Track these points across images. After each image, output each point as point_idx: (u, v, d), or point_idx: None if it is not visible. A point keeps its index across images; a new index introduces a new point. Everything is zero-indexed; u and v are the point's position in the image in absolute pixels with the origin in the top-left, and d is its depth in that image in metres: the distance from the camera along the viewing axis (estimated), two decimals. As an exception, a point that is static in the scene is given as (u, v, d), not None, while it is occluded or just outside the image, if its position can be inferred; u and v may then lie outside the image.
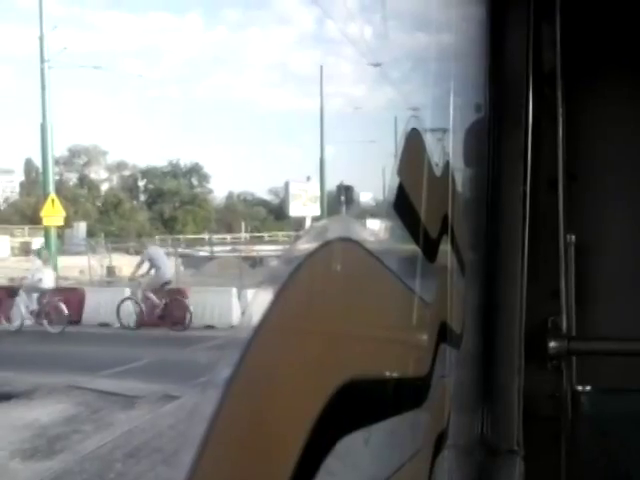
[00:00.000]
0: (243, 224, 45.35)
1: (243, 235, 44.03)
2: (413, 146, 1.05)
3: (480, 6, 2.18)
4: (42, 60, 25.40)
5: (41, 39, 25.58)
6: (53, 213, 24.54)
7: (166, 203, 49.52)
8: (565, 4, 2.25)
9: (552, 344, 2.22)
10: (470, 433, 2.03)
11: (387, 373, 0.89)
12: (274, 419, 0.56)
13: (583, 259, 2.42)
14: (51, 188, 25.36)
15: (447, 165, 1.38)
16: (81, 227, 40.88)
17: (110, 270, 27.31)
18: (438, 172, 1.27)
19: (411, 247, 1.04)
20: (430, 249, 1.15)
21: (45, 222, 25.03)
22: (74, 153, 51.71)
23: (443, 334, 1.26)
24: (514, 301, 2.13)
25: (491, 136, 2.09)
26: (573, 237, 2.42)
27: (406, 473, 0.96)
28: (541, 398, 2.24)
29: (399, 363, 0.96)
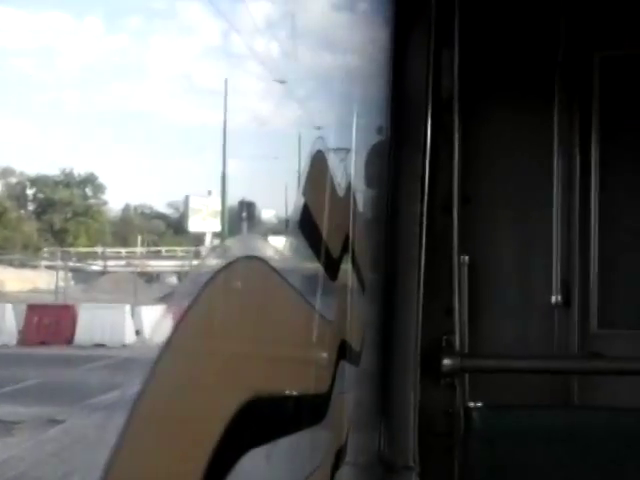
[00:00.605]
0: (139, 238, 44.13)
1: (139, 249, 42.82)
2: (318, 167, 1.08)
3: (384, 30, 2.26)
4: None
5: None
6: None
7: (57, 214, 47.39)
8: (464, 32, 2.37)
9: (445, 361, 2.31)
10: (368, 450, 2.07)
11: (289, 390, 0.91)
12: (177, 437, 0.56)
13: (475, 278, 2.54)
14: None
15: (349, 186, 1.42)
16: None
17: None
18: (341, 192, 1.31)
19: (314, 265, 1.06)
20: (332, 267, 1.18)
21: None
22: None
23: (343, 351, 1.28)
24: (410, 318, 2.20)
25: (391, 158, 2.16)
26: (467, 258, 2.54)
27: None
28: (436, 414, 2.32)
29: (301, 380, 0.98)
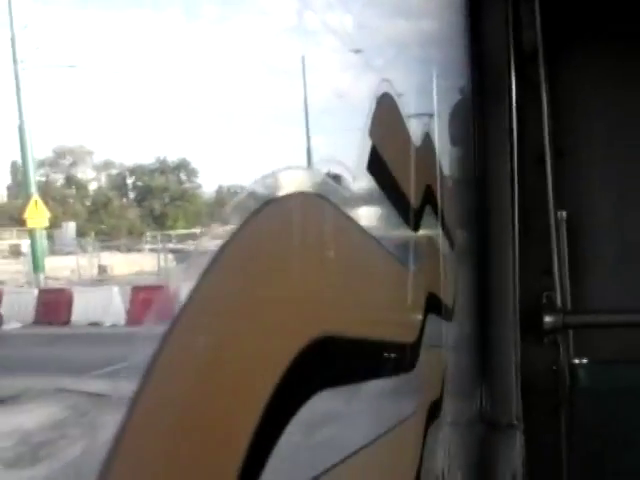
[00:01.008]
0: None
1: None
2: (386, 109, 1.06)
3: None
4: (15, 61, 25.24)
5: (13, 40, 25.40)
6: (36, 215, 24.54)
7: (156, 200, 49.51)
8: None
9: (547, 319, 2.29)
10: (470, 409, 2.10)
11: (367, 334, 0.88)
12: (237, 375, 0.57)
13: (574, 234, 2.49)
14: (33, 190, 25.31)
15: (428, 137, 1.42)
16: (70, 227, 41.06)
17: (101, 269, 27.47)
18: (418, 142, 1.30)
19: (387, 210, 1.05)
20: (410, 215, 1.17)
21: (29, 224, 25.05)
22: (59, 154, 51.63)
23: (431, 305, 1.30)
24: (507, 278, 2.20)
25: (475, 117, 2.15)
26: (564, 213, 2.48)
27: (396, 436, 1.01)
28: (539, 372, 2.32)
29: (380, 325, 0.98)
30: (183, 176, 53.25)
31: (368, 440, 0.89)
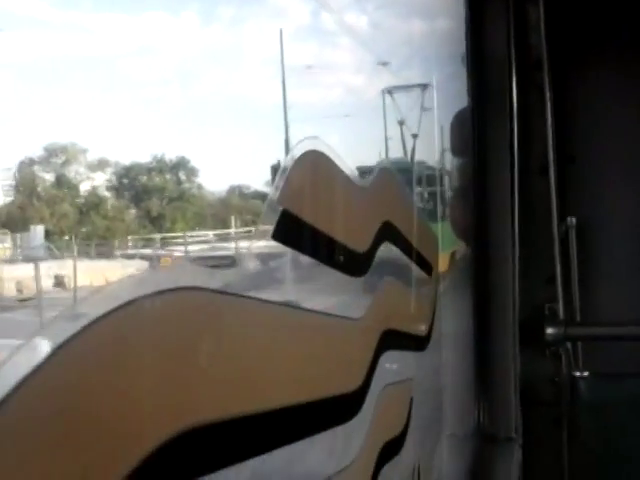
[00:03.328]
0: (233, 219, 45.28)
1: (233, 231, 43.79)
2: (305, 168, 1.06)
3: None
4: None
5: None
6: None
7: (153, 200, 49.70)
8: None
9: (549, 330, 2.38)
10: (467, 422, 2.20)
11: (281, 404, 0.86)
12: None
13: (583, 241, 2.57)
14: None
15: (385, 171, 1.47)
16: (38, 230, 39.64)
17: (58, 280, 24.99)
18: (365, 184, 1.34)
19: (314, 271, 1.07)
20: (352, 263, 1.17)
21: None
22: (51, 152, 51.89)
23: (389, 342, 1.34)
24: (506, 288, 2.29)
25: (475, 124, 2.25)
26: (574, 219, 2.56)
27: None
28: (540, 384, 2.41)
29: (302, 390, 0.98)
30: (182, 175, 53.38)
31: None
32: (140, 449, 0.58)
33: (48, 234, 42.76)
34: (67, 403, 0.53)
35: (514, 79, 2.32)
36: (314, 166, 1.06)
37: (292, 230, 0.93)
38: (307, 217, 0.98)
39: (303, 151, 1.00)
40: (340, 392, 1.11)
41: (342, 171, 1.15)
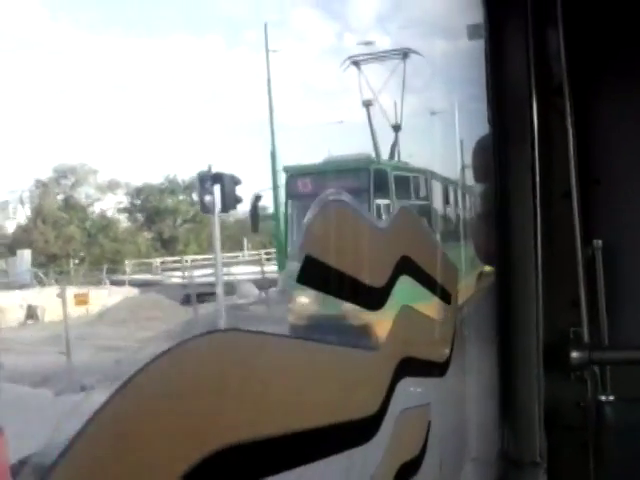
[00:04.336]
0: (245, 241, 45.36)
1: (246, 253, 43.79)
2: (328, 216, 1.20)
3: (477, 16, 2.43)
4: None
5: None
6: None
7: (164, 222, 50.05)
8: (567, 9, 2.49)
9: (574, 354, 2.45)
10: (491, 446, 2.27)
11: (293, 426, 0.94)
12: None
13: (607, 266, 2.64)
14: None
15: (404, 211, 1.58)
16: (25, 255, 38.17)
17: (30, 311, 23.78)
18: (382, 224, 1.45)
19: (333, 307, 1.20)
20: (368, 298, 1.29)
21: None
22: (60, 173, 52.52)
23: (406, 370, 1.45)
24: (530, 312, 2.36)
25: (497, 151, 2.34)
26: (600, 242, 2.63)
27: None
28: (565, 409, 2.47)
29: (321, 416, 1.09)
30: (195, 197, 53.65)
31: None
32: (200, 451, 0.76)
33: (55, 258, 42.82)
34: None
35: (534, 103, 2.41)
36: (333, 214, 1.19)
37: (315, 273, 1.06)
38: (328, 260, 1.11)
39: (323, 202, 1.16)
40: (358, 416, 1.23)
41: (361, 216, 1.31)
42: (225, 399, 0.82)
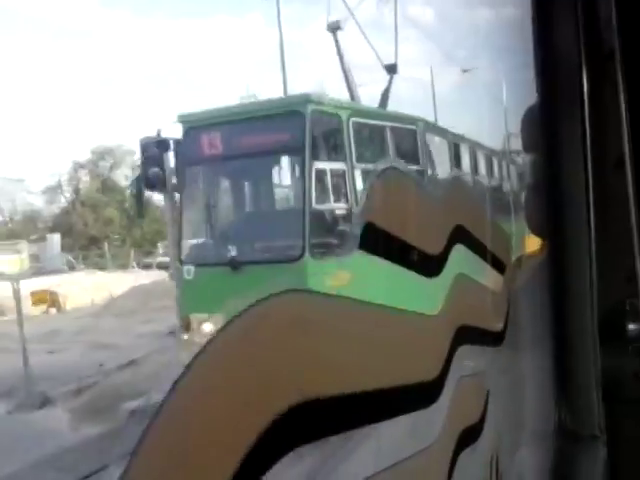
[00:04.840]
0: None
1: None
2: (385, 183, 1.22)
3: None
4: None
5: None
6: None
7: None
8: None
9: (631, 326, 2.44)
10: (548, 418, 2.29)
11: (369, 384, 1.03)
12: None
13: None
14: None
15: (457, 179, 1.61)
16: (55, 240, 38.43)
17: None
18: (438, 191, 1.49)
19: (395, 274, 1.23)
20: (426, 263, 1.32)
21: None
22: (98, 155, 53.12)
23: (465, 338, 1.48)
24: (585, 284, 2.36)
25: (545, 118, 2.33)
26: None
27: (413, 467, 1.19)
28: (623, 381, 2.47)
29: (388, 375, 1.12)
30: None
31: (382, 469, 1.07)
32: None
33: (95, 240, 43.31)
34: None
35: (584, 71, 2.39)
36: (391, 183, 1.23)
37: (375, 239, 1.10)
38: (387, 227, 1.14)
39: (381, 170, 1.20)
40: (420, 380, 1.27)
41: (417, 184, 1.34)
42: (297, 357, 0.90)
